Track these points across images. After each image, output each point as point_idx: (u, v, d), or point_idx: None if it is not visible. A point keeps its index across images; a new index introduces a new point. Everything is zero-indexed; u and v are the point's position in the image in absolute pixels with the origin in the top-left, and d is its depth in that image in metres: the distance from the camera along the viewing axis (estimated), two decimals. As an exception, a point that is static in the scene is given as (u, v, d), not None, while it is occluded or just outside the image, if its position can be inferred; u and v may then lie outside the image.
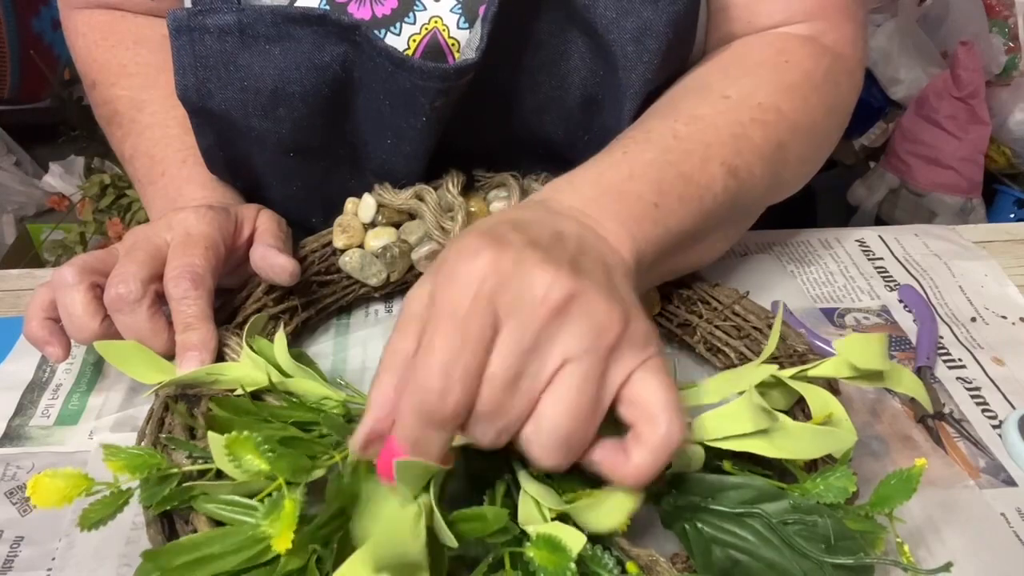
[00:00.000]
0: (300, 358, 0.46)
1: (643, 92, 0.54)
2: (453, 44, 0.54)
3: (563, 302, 0.33)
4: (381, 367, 0.36)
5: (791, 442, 0.38)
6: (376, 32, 0.53)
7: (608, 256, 0.39)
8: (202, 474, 0.39)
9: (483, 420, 0.34)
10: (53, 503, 0.35)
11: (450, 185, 0.57)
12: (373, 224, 0.57)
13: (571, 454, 0.35)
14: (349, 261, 0.56)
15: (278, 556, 0.34)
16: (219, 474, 0.38)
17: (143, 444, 0.44)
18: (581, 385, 0.34)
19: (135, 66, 0.63)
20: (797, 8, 0.56)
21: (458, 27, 0.54)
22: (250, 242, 0.53)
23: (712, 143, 0.48)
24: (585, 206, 0.42)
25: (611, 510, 0.35)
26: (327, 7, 0.53)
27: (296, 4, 0.53)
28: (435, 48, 0.54)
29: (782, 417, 0.38)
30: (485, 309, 0.33)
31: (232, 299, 0.53)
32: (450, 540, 0.34)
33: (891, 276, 0.64)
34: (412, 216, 0.58)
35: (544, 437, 0.34)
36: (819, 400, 0.42)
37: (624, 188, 0.44)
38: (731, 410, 0.39)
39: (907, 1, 1.61)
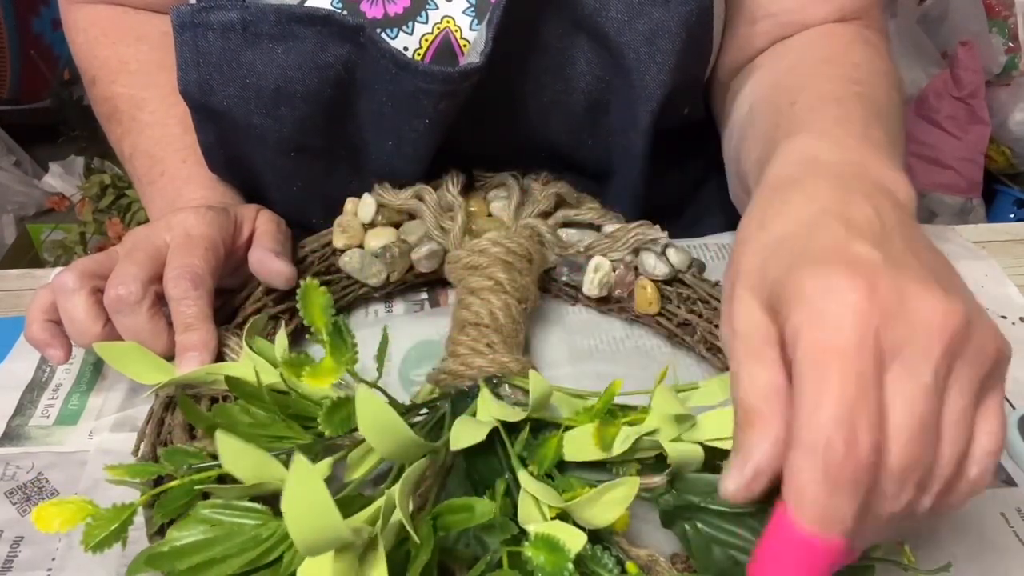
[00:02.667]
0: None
1: (659, 94, 0.54)
2: (465, 45, 0.54)
3: (958, 333, 0.30)
4: (747, 406, 0.31)
5: None
6: (389, 31, 0.53)
7: (912, 218, 0.37)
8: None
9: (899, 481, 0.29)
10: (56, 529, 0.35)
11: (450, 185, 0.57)
12: (373, 224, 0.57)
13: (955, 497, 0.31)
14: (349, 261, 0.56)
15: (281, 557, 0.35)
16: (220, 478, 0.38)
17: (143, 446, 0.44)
18: (966, 426, 0.30)
19: (136, 63, 0.62)
20: (846, 9, 0.57)
21: (470, 28, 0.54)
22: (250, 242, 0.53)
23: (881, 102, 0.48)
24: (859, 157, 0.39)
25: (610, 504, 0.35)
26: (339, 4, 0.53)
27: (306, 2, 0.53)
28: (447, 49, 0.54)
29: None
30: (874, 349, 0.29)
31: (232, 299, 0.53)
32: (412, 534, 0.34)
33: (891, 276, 0.64)
34: (412, 216, 0.58)
35: (942, 486, 0.30)
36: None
37: (872, 136, 0.42)
38: (731, 411, 0.39)
39: (907, 1, 1.61)
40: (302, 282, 0.39)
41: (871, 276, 0.30)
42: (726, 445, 0.39)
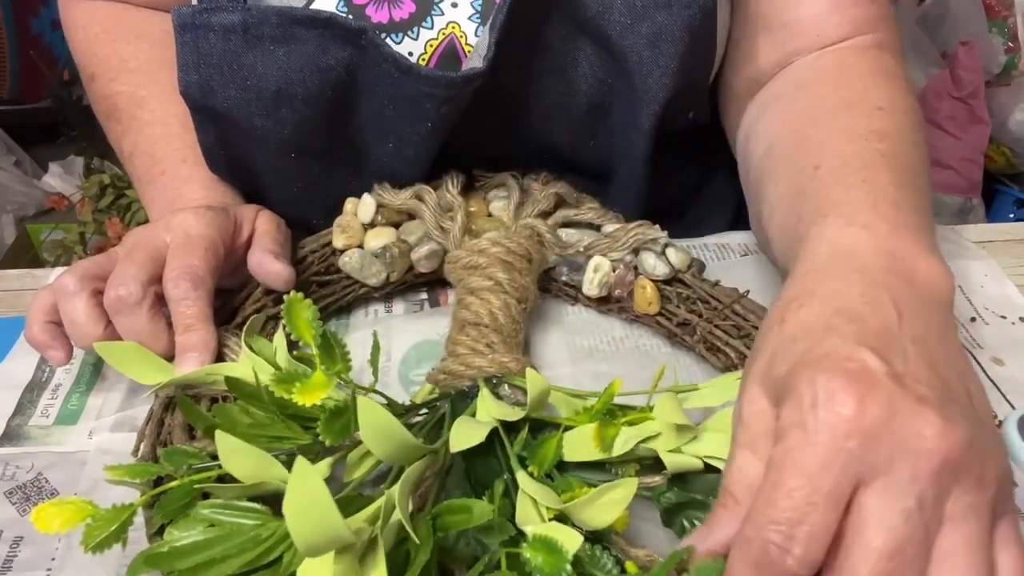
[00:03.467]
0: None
1: (661, 98, 0.54)
2: (469, 51, 0.54)
3: (947, 458, 0.29)
4: (729, 490, 0.33)
5: None
6: (394, 36, 0.53)
7: (947, 313, 0.36)
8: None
9: None
10: (55, 529, 0.35)
11: (450, 185, 0.57)
12: (372, 224, 0.57)
13: None
14: (349, 261, 0.56)
15: (281, 557, 0.35)
16: (219, 478, 0.38)
17: (143, 446, 0.44)
18: (976, 554, 0.30)
19: (136, 61, 0.62)
20: (861, 20, 0.56)
21: (475, 34, 0.54)
22: (250, 243, 0.53)
23: (909, 152, 0.46)
24: (892, 246, 0.38)
25: (608, 506, 0.35)
26: (344, 7, 0.53)
27: (313, 4, 0.53)
28: (452, 54, 0.54)
29: None
30: (846, 466, 0.29)
31: (232, 300, 0.53)
32: (412, 534, 0.34)
33: (891, 276, 0.64)
34: (412, 216, 0.58)
35: None
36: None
37: (903, 218, 0.40)
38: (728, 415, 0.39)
39: (907, 1, 1.61)
40: (286, 297, 0.39)
41: (866, 390, 0.30)
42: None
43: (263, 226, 0.54)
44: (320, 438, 0.36)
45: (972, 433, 0.30)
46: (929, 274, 0.37)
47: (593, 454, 0.39)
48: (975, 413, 0.32)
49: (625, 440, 0.38)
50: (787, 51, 0.57)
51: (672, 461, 0.39)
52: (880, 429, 0.29)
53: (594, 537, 0.36)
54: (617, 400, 0.40)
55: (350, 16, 0.52)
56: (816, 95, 0.53)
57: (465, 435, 0.38)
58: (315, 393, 0.35)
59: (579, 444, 0.39)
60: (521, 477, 0.38)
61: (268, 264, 0.51)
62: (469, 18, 0.54)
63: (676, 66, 0.53)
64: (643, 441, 0.39)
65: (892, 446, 0.29)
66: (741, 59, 0.59)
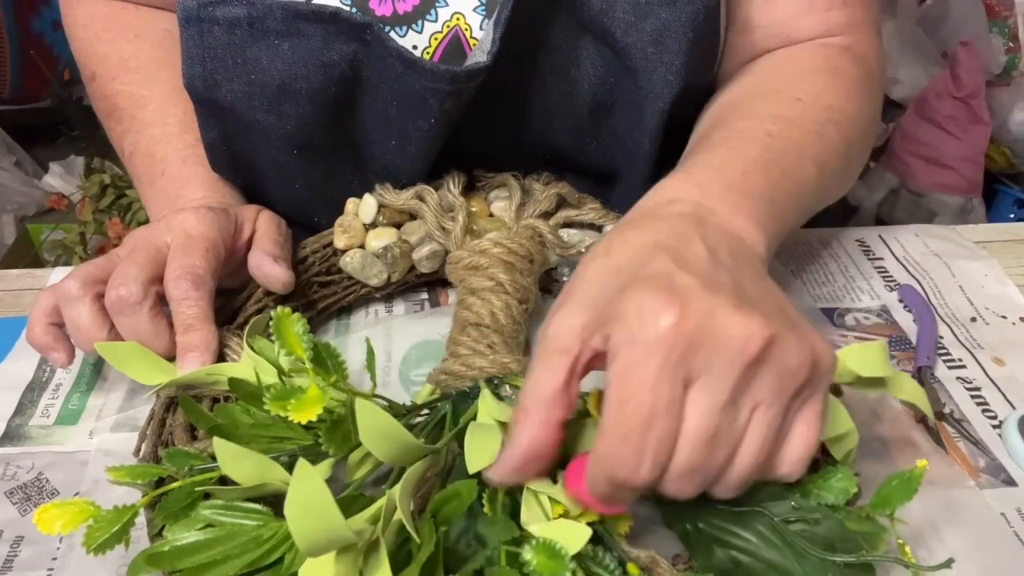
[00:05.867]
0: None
1: (666, 95, 0.54)
2: (475, 44, 0.54)
3: (760, 352, 0.33)
4: (522, 403, 0.35)
5: None
6: (398, 29, 0.53)
7: (757, 262, 0.40)
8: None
9: (681, 478, 0.34)
10: (57, 531, 0.35)
11: (451, 185, 0.57)
12: (374, 224, 0.57)
13: (744, 487, 0.36)
14: (350, 261, 0.56)
15: (282, 558, 0.35)
16: (221, 479, 0.38)
17: (144, 446, 0.44)
18: (769, 433, 0.34)
19: (136, 60, 0.62)
20: (833, 23, 0.57)
21: (480, 28, 0.54)
22: (250, 243, 0.53)
23: (802, 141, 0.49)
24: (713, 203, 0.42)
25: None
26: (349, 2, 0.53)
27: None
28: (456, 48, 0.54)
29: None
30: (675, 373, 0.32)
31: (233, 300, 0.53)
32: (413, 533, 0.34)
33: (891, 276, 0.64)
34: (413, 216, 0.58)
35: (733, 482, 0.35)
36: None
37: (744, 184, 0.44)
38: None
39: (907, 1, 1.61)
40: (272, 313, 0.39)
41: (685, 302, 0.33)
42: None
43: (263, 227, 0.54)
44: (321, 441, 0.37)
45: (778, 328, 0.33)
46: (742, 232, 0.41)
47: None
48: (783, 313, 0.35)
49: None
50: (758, 50, 0.58)
51: None
52: (700, 331, 0.33)
53: (596, 538, 0.36)
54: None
55: (355, 10, 0.52)
56: (749, 83, 0.56)
57: (480, 453, 0.38)
58: (310, 409, 0.36)
59: (581, 441, 0.39)
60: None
61: (267, 267, 0.51)
62: (474, 10, 0.54)
63: (680, 63, 0.53)
64: None
65: (709, 348, 0.33)
66: (722, 59, 0.60)
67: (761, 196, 0.44)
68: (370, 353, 0.41)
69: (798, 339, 0.34)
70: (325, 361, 0.39)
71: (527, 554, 0.33)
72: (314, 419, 0.36)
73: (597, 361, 0.35)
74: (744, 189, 0.44)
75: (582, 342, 0.35)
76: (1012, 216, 1.61)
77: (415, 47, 0.54)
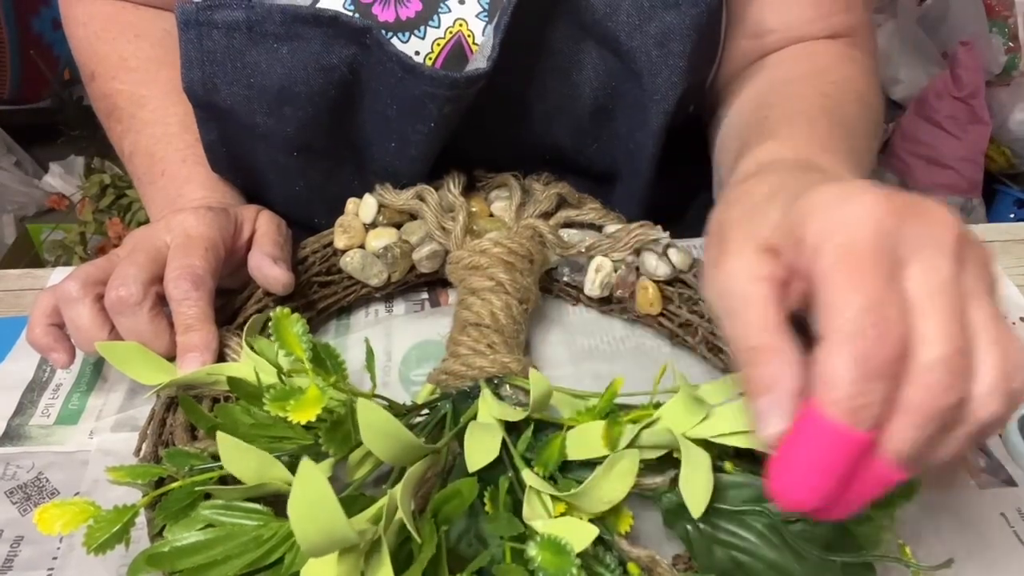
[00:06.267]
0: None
1: (671, 97, 0.54)
2: (477, 51, 0.54)
3: (963, 232, 0.30)
4: (740, 351, 0.31)
5: None
6: (400, 35, 0.53)
7: None
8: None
9: (934, 370, 0.28)
10: (58, 531, 0.35)
11: (451, 185, 0.57)
12: (374, 224, 0.57)
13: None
14: (350, 262, 0.56)
15: (283, 559, 0.35)
16: (221, 479, 0.38)
17: (144, 446, 0.44)
18: (1001, 337, 0.30)
19: (136, 60, 0.62)
20: (838, 27, 0.59)
21: (483, 34, 0.54)
22: (250, 243, 0.53)
23: (850, 116, 0.50)
24: (815, 162, 0.42)
25: (617, 479, 0.35)
26: (351, 6, 0.53)
27: (321, 3, 0.53)
28: (459, 54, 0.54)
29: None
30: (892, 245, 0.30)
31: (233, 300, 0.53)
32: (414, 533, 0.34)
33: (891, 276, 0.64)
34: (413, 216, 0.58)
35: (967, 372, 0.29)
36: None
37: (833, 147, 0.45)
38: (733, 408, 0.39)
39: (907, 1, 1.61)
40: (272, 313, 0.39)
41: (874, 189, 0.31)
42: (730, 441, 0.38)
43: (263, 227, 0.54)
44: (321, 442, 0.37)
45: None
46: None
47: (597, 451, 0.39)
48: None
49: (628, 433, 0.38)
50: (766, 51, 0.60)
51: (686, 444, 0.38)
52: (904, 210, 0.30)
53: (596, 537, 0.36)
54: (618, 400, 0.40)
55: (356, 15, 0.52)
56: (779, 70, 0.58)
57: (479, 452, 0.38)
58: (309, 409, 0.35)
59: (582, 442, 0.39)
60: (527, 474, 0.38)
61: (266, 268, 0.51)
62: (477, 16, 0.54)
63: (684, 65, 0.53)
64: (649, 425, 0.39)
65: (919, 224, 0.30)
66: (728, 61, 0.61)
67: (850, 156, 0.44)
68: (369, 353, 0.41)
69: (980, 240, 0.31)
70: (324, 361, 0.39)
71: (532, 550, 0.33)
72: (313, 419, 0.36)
73: (794, 284, 0.32)
74: (835, 150, 0.44)
75: (770, 279, 0.32)
76: (1012, 216, 1.61)
77: (417, 53, 0.54)
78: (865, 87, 0.55)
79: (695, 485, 0.37)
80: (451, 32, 0.54)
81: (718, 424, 0.39)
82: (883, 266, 0.29)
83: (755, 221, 0.34)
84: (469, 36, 0.54)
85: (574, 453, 0.39)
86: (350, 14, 0.52)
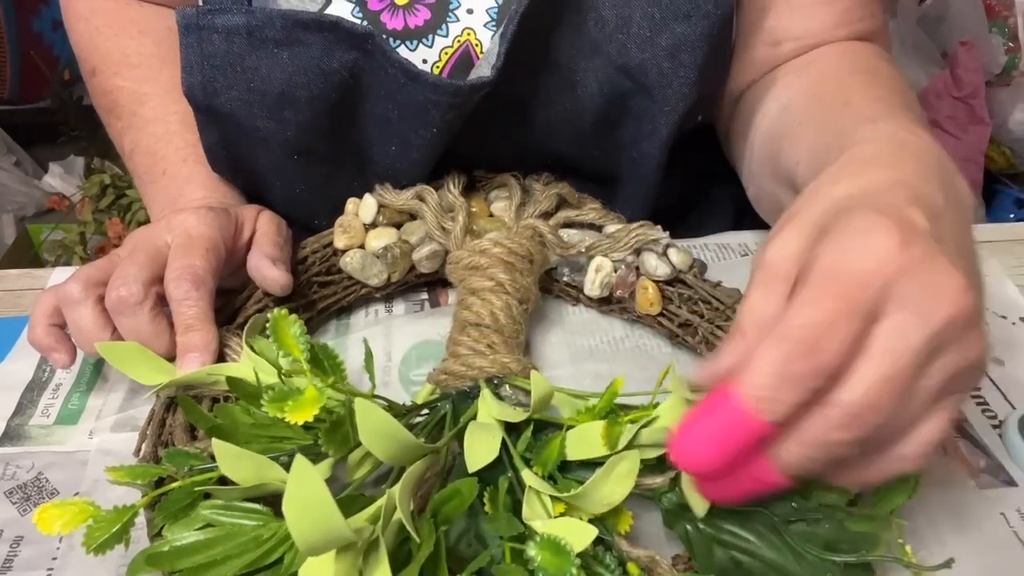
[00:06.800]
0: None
1: (681, 108, 0.54)
2: (482, 58, 0.54)
3: (959, 315, 0.31)
4: (739, 325, 0.33)
5: None
6: (408, 43, 0.53)
7: (971, 217, 0.38)
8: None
9: (846, 414, 0.30)
10: (57, 531, 0.35)
11: (451, 185, 0.57)
12: (374, 224, 0.57)
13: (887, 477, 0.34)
14: (350, 262, 0.56)
15: (282, 559, 0.34)
16: (221, 479, 0.38)
17: (144, 446, 0.44)
18: (954, 411, 0.32)
19: (138, 57, 0.62)
20: (861, 33, 0.58)
21: (491, 42, 0.54)
22: (251, 243, 0.53)
23: (919, 109, 0.49)
24: (940, 152, 0.40)
25: (618, 480, 0.35)
26: (359, 14, 0.53)
27: (329, 9, 0.53)
28: (466, 63, 0.54)
29: None
30: (879, 289, 0.30)
31: (233, 300, 0.53)
32: (412, 532, 0.34)
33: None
34: (413, 216, 0.58)
35: (917, 456, 0.32)
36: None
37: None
38: None
39: (907, 1, 1.61)
40: (270, 314, 0.39)
41: (909, 235, 0.31)
42: None
43: (263, 227, 0.54)
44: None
45: (980, 308, 0.32)
46: (964, 184, 0.39)
47: (596, 451, 0.39)
48: (983, 298, 0.34)
49: (627, 433, 0.38)
50: (785, 60, 0.59)
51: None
52: (914, 267, 0.31)
53: (596, 537, 0.36)
54: (618, 400, 0.40)
55: (365, 22, 0.52)
56: (826, 63, 0.56)
57: (479, 452, 0.38)
58: (307, 410, 0.35)
59: (582, 442, 0.39)
60: (527, 474, 0.38)
61: (265, 269, 0.51)
62: (485, 25, 0.54)
63: (695, 76, 0.53)
64: (648, 424, 0.39)
65: (917, 287, 0.31)
66: (746, 67, 0.60)
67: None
68: (368, 354, 0.41)
69: (983, 336, 0.32)
70: (322, 362, 0.39)
71: (531, 550, 0.33)
72: (311, 420, 0.36)
73: None
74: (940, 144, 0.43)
75: (800, 268, 0.33)
76: (1012, 216, 1.61)
77: (425, 61, 0.54)
78: (903, 85, 0.53)
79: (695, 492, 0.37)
80: (459, 41, 0.54)
81: None
82: (854, 303, 0.30)
83: (823, 218, 0.34)
84: (477, 45, 0.54)
85: (573, 453, 0.39)
86: (352, 20, 0.52)
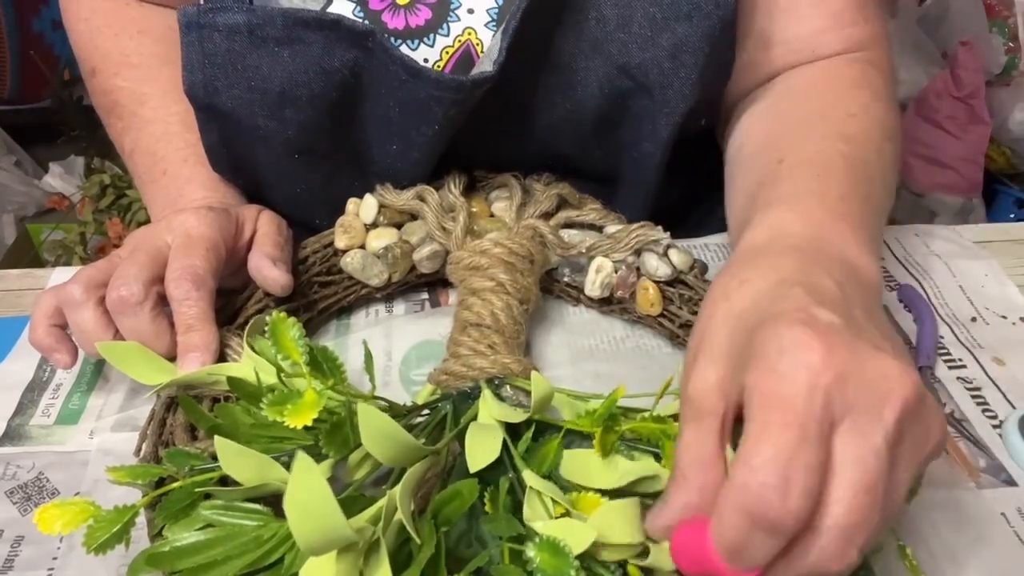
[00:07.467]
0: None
1: (681, 109, 0.54)
2: (484, 55, 0.54)
3: (908, 400, 0.31)
4: (678, 467, 0.33)
5: None
6: (409, 43, 0.53)
7: (876, 294, 0.38)
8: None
9: (842, 536, 0.29)
10: (58, 531, 0.35)
11: (451, 186, 0.57)
12: (375, 225, 0.57)
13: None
14: (351, 262, 0.56)
15: (282, 559, 0.34)
16: (222, 479, 0.38)
17: (145, 446, 0.44)
18: (904, 491, 0.32)
19: (138, 56, 0.62)
20: (856, 39, 0.57)
21: (492, 42, 0.54)
22: (251, 243, 0.53)
23: (868, 159, 0.48)
24: (824, 234, 0.40)
25: (629, 523, 0.35)
26: (361, 13, 0.53)
27: (330, 8, 0.53)
28: (467, 62, 0.54)
29: None
30: (823, 404, 0.30)
31: (234, 300, 0.53)
32: (413, 533, 0.34)
33: (891, 276, 0.64)
34: (414, 217, 0.58)
35: (867, 544, 0.31)
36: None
37: (845, 210, 0.43)
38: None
39: (907, 1, 1.61)
40: (268, 317, 0.39)
41: (829, 337, 0.31)
42: None
43: (264, 228, 0.54)
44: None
45: (923, 386, 0.31)
46: (858, 259, 0.39)
47: (596, 481, 0.38)
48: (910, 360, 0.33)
49: (623, 474, 0.38)
50: (781, 64, 0.58)
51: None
52: (848, 370, 0.30)
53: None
54: (619, 402, 0.40)
55: (365, 21, 0.52)
56: (794, 102, 0.55)
57: (480, 452, 0.38)
58: (306, 414, 0.35)
59: (579, 470, 0.39)
60: (528, 475, 0.38)
61: (266, 270, 0.51)
62: (486, 25, 0.54)
63: (696, 77, 0.53)
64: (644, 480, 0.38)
65: (859, 387, 0.30)
66: (739, 71, 0.59)
67: (861, 220, 0.42)
68: (368, 355, 0.41)
69: (937, 404, 0.32)
70: (321, 365, 0.39)
71: (531, 551, 0.33)
72: (310, 424, 0.36)
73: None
74: (846, 215, 0.42)
75: (725, 399, 0.33)
76: (1012, 216, 1.61)
77: (426, 60, 0.54)
78: (885, 112, 0.53)
79: None
80: (460, 40, 0.54)
81: None
82: (802, 424, 0.29)
83: (732, 341, 0.34)
84: (478, 45, 0.54)
85: (569, 473, 0.39)
86: (353, 18, 0.52)
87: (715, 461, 0.32)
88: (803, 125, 0.52)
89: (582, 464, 0.39)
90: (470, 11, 0.54)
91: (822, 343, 0.31)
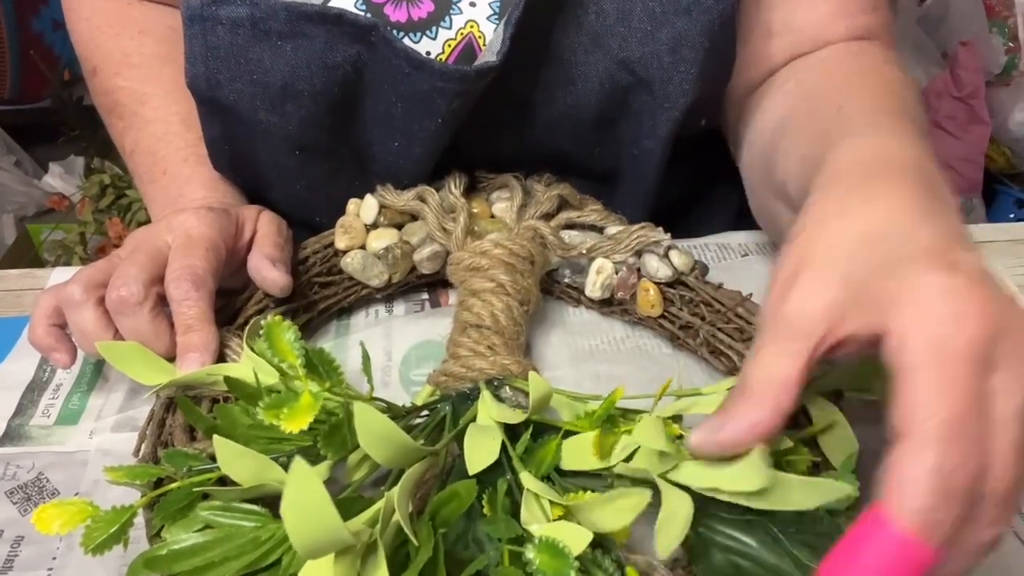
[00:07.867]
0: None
1: (681, 104, 0.54)
2: (487, 47, 0.54)
3: None
4: (749, 383, 0.31)
5: (785, 496, 0.37)
6: (412, 35, 0.53)
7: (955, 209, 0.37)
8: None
9: (998, 501, 0.29)
10: (56, 531, 0.35)
11: (452, 186, 0.57)
12: (375, 225, 0.57)
13: None
14: (351, 262, 0.56)
15: (280, 560, 0.34)
16: (220, 480, 0.38)
17: (144, 447, 0.44)
18: None
19: (139, 56, 0.62)
20: (863, 28, 0.57)
21: (494, 34, 0.54)
22: (251, 244, 0.53)
23: (918, 114, 0.47)
24: (923, 155, 0.39)
25: (619, 511, 0.35)
26: (363, 6, 0.53)
27: (332, 2, 0.53)
28: (469, 55, 0.54)
29: (779, 474, 0.35)
30: (985, 360, 0.29)
31: (234, 300, 0.53)
32: (411, 535, 0.34)
33: (892, 277, 0.64)
34: (414, 217, 0.58)
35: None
36: (821, 409, 0.41)
37: (923, 146, 0.41)
38: (734, 470, 0.37)
39: (907, 1, 1.61)
40: (264, 320, 0.39)
41: (981, 288, 0.30)
42: (721, 496, 0.36)
43: (264, 228, 0.54)
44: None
45: None
46: (948, 188, 0.38)
47: (591, 463, 0.38)
48: None
49: (624, 446, 0.38)
50: (789, 54, 0.58)
51: (667, 489, 0.37)
52: (1002, 323, 0.29)
53: (595, 541, 0.36)
54: (619, 403, 0.40)
55: (368, 14, 0.52)
56: (829, 67, 0.54)
57: (479, 454, 0.38)
58: (303, 417, 0.35)
59: (577, 453, 0.39)
60: (525, 477, 0.38)
61: (265, 271, 0.51)
62: (488, 18, 0.54)
63: (696, 72, 0.53)
64: (635, 454, 0.38)
65: (1011, 342, 0.29)
66: (744, 63, 0.59)
67: (930, 158, 0.41)
68: (365, 357, 0.41)
69: None
70: (318, 368, 0.39)
71: (530, 552, 0.33)
72: (306, 427, 0.35)
73: (842, 346, 0.32)
74: (925, 135, 0.41)
75: (829, 325, 0.31)
76: (1012, 216, 1.61)
77: (428, 53, 0.54)
78: (911, 94, 0.51)
79: (670, 529, 0.36)
80: (462, 33, 0.54)
81: (709, 476, 0.37)
82: (974, 377, 0.28)
83: (853, 266, 0.32)
84: (480, 38, 0.54)
85: (568, 463, 0.39)
86: (356, 12, 0.52)
87: (793, 387, 0.31)
88: (847, 80, 0.51)
89: (579, 451, 0.39)
90: (472, 4, 0.54)
91: (981, 293, 0.30)
